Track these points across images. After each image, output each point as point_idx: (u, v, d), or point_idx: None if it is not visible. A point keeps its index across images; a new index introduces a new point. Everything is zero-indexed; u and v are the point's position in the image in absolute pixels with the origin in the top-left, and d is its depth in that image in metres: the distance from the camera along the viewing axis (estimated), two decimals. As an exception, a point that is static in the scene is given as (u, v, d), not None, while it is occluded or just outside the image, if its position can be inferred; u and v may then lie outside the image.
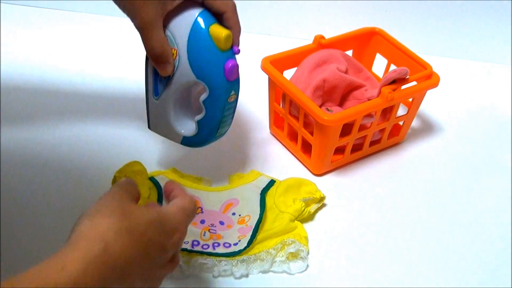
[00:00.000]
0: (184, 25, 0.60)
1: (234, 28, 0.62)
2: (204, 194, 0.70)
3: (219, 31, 0.59)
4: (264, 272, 0.63)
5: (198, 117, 0.64)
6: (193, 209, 0.53)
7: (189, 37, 0.60)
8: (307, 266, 0.64)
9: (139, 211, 0.47)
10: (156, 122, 0.69)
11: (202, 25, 0.60)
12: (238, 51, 0.63)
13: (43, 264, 0.40)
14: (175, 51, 0.61)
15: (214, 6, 0.61)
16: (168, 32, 0.61)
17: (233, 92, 0.64)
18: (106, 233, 0.43)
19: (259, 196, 0.69)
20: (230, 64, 0.61)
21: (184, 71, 0.62)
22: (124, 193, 0.50)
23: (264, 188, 0.71)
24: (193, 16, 0.60)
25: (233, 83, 0.63)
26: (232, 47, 0.62)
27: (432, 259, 0.67)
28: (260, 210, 0.67)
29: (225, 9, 0.61)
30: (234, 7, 0.62)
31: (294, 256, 0.64)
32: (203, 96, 0.63)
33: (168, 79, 0.63)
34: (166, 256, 0.49)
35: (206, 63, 0.61)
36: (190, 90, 0.67)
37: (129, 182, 0.53)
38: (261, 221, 0.66)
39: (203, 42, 0.60)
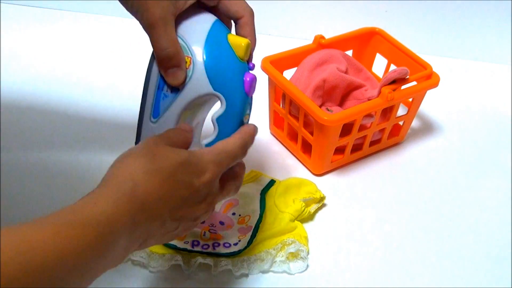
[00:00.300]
0: (199, 31, 0.54)
1: (250, 37, 0.55)
2: None
3: (238, 39, 0.54)
4: (264, 272, 0.64)
5: (208, 139, 0.54)
6: (228, 151, 0.51)
7: (205, 44, 0.53)
8: (307, 266, 0.64)
9: (169, 153, 0.47)
10: None
11: (220, 32, 0.54)
12: (253, 66, 0.56)
13: (77, 202, 0.42)
14: (189, 59, 0.53)
15: (231, 9, 0.55)
16: (179, 39, 0.53)
17: (248, 111, 0.56)
18: (135, 172, 0.45)
19: (259, 196, 0.69)
20: (249, 78, 0.54)
21: (199, 82, 0.53)
22: (160, 137, 0.49)
23: (264, 188, 0.71)
24: (208, 22, 0.54)
25: (250, 100, 0.55)
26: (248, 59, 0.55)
27: (432, 259, 0.67)
28: (260, 210, 0.67)
29: (243, 13, 0.55)
30: (252, 14, 0.56)
31: (294, 256, 0.64)
32: (218, 112, 0.54)
33: (176, 94, 0.54)
34: (197, 196, 0.48)
35: (225, 72, 0.53)
36: (196, 109, 0.57)
37: (175, 129, 0.52)
38: (261, 221, 0.66)
39: (223, 50, 0.53)
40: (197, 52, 0.53)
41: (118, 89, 0.89)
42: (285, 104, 0.76)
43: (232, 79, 0.53)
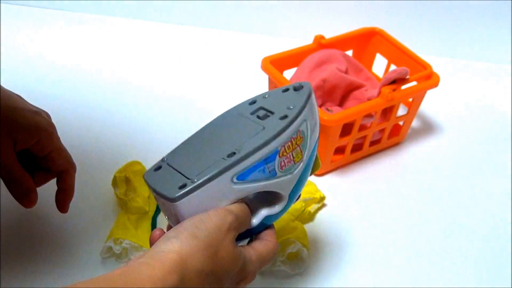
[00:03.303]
0: (315, 133, 0.54)
1: (70, 190, 0.62)
2: None
3: (318, 163, 0.56)
4: (264, 272, 0.63)
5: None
6: (270, 259, 0.51)
7: (311, 154, 0.54)
8: (307, 266, 0.64)
9: (230, 256, 0.46)
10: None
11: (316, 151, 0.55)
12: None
13: (109, 279, 0.40)
14: (301, 157, 0.52)
15: (57, 162, 0.61)
16: (304, 129, 0.52)
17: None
18: (188, 267, 0.42)
19: None
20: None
21: (289, 182, 0.51)
22: (233, 227, 0.47)
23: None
24: (316, 133, 0.55)
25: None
26: None
27: (432, 259, 0.67)
28: None
29: (67, 167, 0.61)
30: (75, 169, 0.63)
31: (294, 256, 0.64)
32: (271, 212, 0.52)
33: (272, 176, 0.50)
34: None
35: (302, 184, 0.53)
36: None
37: (246, 214, 0.49)
38: None
39: (313, 165, 0.55)
40: (307, 154, 0.53)
41: (118, 90, 0.89)
42: (285, 104, 0.76)
43: (301, 190, 0.54)
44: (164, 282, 0.41)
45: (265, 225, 0.52)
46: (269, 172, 0.49)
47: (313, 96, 0.54)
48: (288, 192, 0.52)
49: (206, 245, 0.44)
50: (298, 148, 0.51)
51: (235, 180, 0.48)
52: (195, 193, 0.46)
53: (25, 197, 0.59)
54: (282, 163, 0.50)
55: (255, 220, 0.51)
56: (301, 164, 0.52)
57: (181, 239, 0.44)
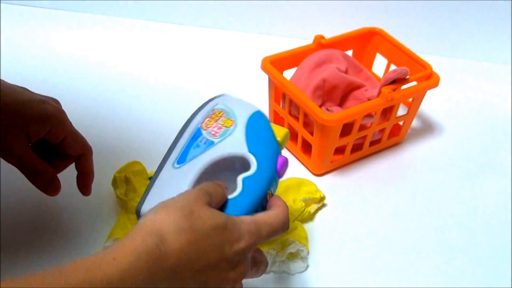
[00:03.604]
0: (245, 108, 0.57)
1: (90, 172, 0.64)
2: None
3: (279, 127, 0.57)
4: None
5: (230, 196, 0.52)
6: (278, 223, 0.49)
7: (250, 117, 0.56)
8: (307, 266, 0.64)
9: (207, 214, 0.45)
10: (158, 200, 0.49)
11: (264, 116, 0.57)
12: (282, 174, 0.56)
13: (97, 254, 0.41)
14: (232, 121, 0.56)
15: (73, 146, 0.62)
16: (223, 106, 0.58)
17: (273, 190, 0.54)
18: (165, 228, 0.43)
19: None
20: (282, 159, 0.55)
21: (236, 140, 0.55)
22: (202, 194, 0.47)
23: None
24: (254, 107, 0.58)
25: (277, 180, 0.55)
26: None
27: (432, 259, 0.67)
28: None
29: (83, 151, 0.63)
30: (91, 151, 0.64)
31: (294, 256, 0.64)
32: (246, 173, 0.53)
33: (209, 146, 0.55)
34: (226, 264, 0.46)
35: (263, 140, 0.55)
36: (218, 170, 0.56)
37: (215, 185, 0.50)
38: None
39: (264, 125, 0.56)
40: (241, 118, 0.56)
41: (117, 89, 0.89)
42: (285, 104, 0.76)
43: (267, 147, 0.55)
44: (144, 244, 0.41)
45: (252, 193, 0.52)
46: (205, 143, 0.55)
47: (221, 98, 0.60)
48: (246, 150, 0.54)
49: (178, 209, 0.45)
50: (222, 118, 0.57)
51: (176, 165, 0.54)
52: (149, 195, 0.52)
53: (48, 186, 0.60)
54: (212, 132, 0.56)
55: (238, 187, 0.52)
56: (236, 126, 0.56)
57: (152, 211, 0.45)
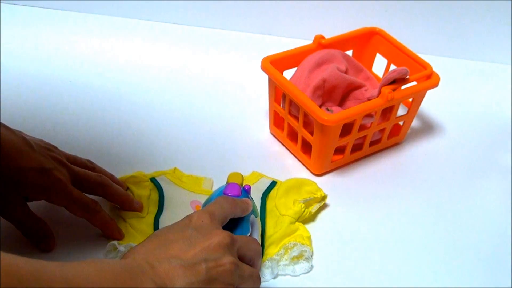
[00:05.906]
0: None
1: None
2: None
3: (236, 174, 0.66)
4: (271, 278, 0.63)
5: None
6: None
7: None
8: (312, 266, 0.64)
9: (203, 247, 0.50)
10: None
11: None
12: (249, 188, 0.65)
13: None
14: None
15: None
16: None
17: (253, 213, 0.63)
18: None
19: (259, 201, 0.69)
20: (246, 187, 0.65)
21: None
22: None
23: (265, 191, 0.71)
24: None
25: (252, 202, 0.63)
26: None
27: (433, 259, 0.67)
28: (261, 217, 0.67)
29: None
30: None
31: (298, 257, 0.64)
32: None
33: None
34: (187, 236, 0.51)
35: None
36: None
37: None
38: (264, 231, 0.66)
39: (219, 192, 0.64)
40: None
41: (117, 89, 0.89)
42: (285, 104, 0.76)
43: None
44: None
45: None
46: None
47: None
48: None
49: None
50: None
51: None
52: None
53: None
54: None
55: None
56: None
57: None
